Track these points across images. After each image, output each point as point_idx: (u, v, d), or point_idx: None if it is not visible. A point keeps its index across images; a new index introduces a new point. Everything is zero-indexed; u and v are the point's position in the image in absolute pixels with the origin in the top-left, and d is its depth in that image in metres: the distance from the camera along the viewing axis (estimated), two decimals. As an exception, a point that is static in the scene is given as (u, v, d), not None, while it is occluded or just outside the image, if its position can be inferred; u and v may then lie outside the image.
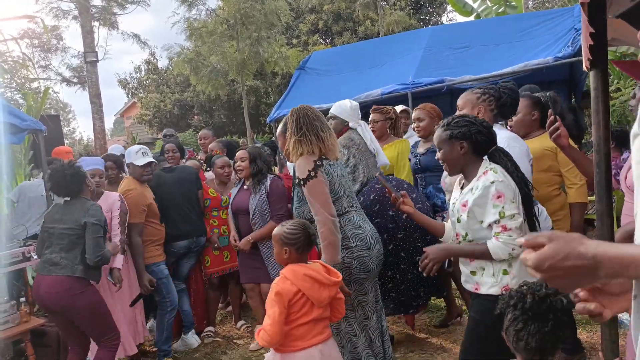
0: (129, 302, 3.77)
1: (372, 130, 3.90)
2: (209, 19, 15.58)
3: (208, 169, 5.01)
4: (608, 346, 1.67)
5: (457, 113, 2.64)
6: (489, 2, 10.93)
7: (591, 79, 1.63)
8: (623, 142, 4.43)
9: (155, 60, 24.33)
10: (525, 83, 4.08)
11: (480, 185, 2.04)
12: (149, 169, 3.91)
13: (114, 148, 6.08)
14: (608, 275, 0.89)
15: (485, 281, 2.11)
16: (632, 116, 4.32)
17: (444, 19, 25.19)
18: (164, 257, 3.96)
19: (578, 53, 5.28)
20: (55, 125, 7.13)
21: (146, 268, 3.82)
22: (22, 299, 3.96)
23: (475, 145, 2.10)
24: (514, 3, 10.76)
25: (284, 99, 7.27)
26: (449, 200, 3.04)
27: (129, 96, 26.31)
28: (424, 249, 2.16)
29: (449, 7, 22.52)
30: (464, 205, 2.10)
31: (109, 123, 39.44)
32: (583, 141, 5.20)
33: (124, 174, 4.52)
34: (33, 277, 3.66)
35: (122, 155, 4.64)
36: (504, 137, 2.45)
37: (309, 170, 2.67)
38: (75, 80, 16.51)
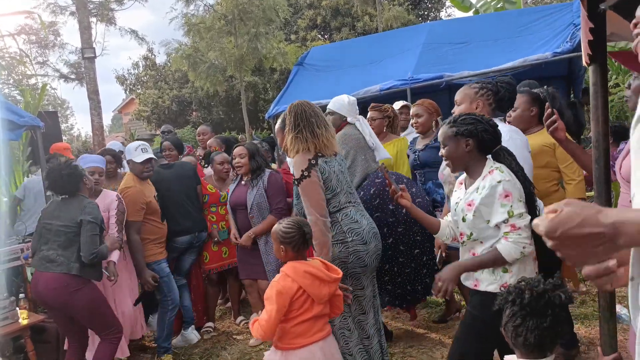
0: (128, 300, 3.75)
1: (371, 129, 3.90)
2: (206, 14, 15.53)
3: (207, 165, 5.00)
4: (607, 341, 1.67)
5: (456, 108, 2.65)
6: (487, -2, 10.89)
7: (590, 74, 1.63)
8: (621, 138, 4.43)
9: (153, 57, 24.25)
10: (524, 78, 4.08)
11: (487, 184, 2.04)
12: (149, 165, 3.87)
13: (112, 144, 6.04)
14: (627, 243, 0.84)
15: (485, 278, 2.11)
16: (630, 112, 4.32)
17: (443, 14, 25.17)
18: (164, 255, 3.92)
19: (577, 48, 5.28)
20: (53, 122, 7.10)
21: (147, 266, 3.81)
22: (22, 295, 3.95)
23: (480, 144, 2.10)
24: (512, -1, 10.73)
25: (282, 95, 7.25)
26: (448, 192, 3.06)
27: (127, 92, 26.23)
28: (435, 276, 2.12)
29: (448, 3, 22.46)
30: (470, 205, 2.10)
31: (107, 119, 39.30)
32: (582, 137, 5.20)
33: (122, 169, 4.52)
34: (32, 274, 3.64)
35: (121, 152, 4.63)
36: (505, 130, 2.45)
37: (302, 170, 2.70)
38: (73, 76, 16.47)
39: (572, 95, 6.56)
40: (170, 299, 3.88)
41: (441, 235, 2.40)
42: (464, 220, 2.14)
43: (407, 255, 3.38)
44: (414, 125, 3.84)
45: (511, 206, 2.00)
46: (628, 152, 2.20)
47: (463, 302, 4.05)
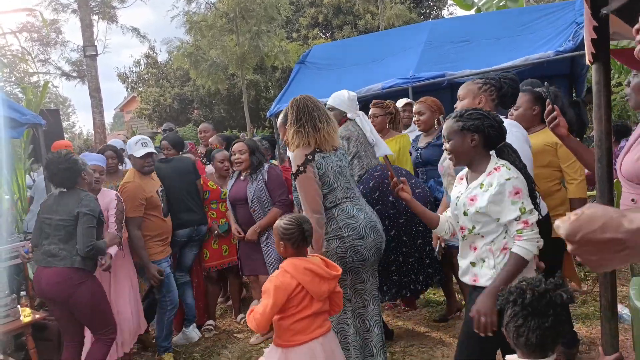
0: (128, 296, 3.74)
1: (372, 125, 3.89)
2: (208, 12, 15.52)
3: (208, 162, 5.00)
4: (608, 340, 1.66)
5: (458, 103, 2.65)
6: (489, -4, 10.87)
7: (593, 73, 1.62)
8: (624, 136, 4.42)
9: (154, 54, 24.29)
10: (526, 77, 4.06)
11: (495, 182, 2.02)
12: (150, 160, 3.84)
13: (114, 142, 6.04)
14: None
15: (484, 273, 2.10)
16: (632, 110, 4.31)
17: (445, 12, 25.13)
18: (165, 254, 3.88)
19: (579, 47, 5.27)
20: (54, 120, 7.12)
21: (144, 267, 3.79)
22: (23, 293, 3.96)
23: (486, 139, 2.09)
24: (515, -4, 10.70)
25: (284, 93, 7.25)
26: (446, 185, 3.06)
27: (129, 90, 26.26)
28: (470, 314, 2.05)
29: (450, 1, 22.45)
30: (472, 200, 2.09)
31: (108, 117, 39.36)
32: (585, 136, 5.19)
33: (123, 166, 4.52)
34: (34, 273, 3.64)
35: (122, 149, 4.63)
36: (505, 124, 2.45)
37: (298, 165, 2.73)
38: (74, 74, 16.48)
39: (574, 94, 6.55)
40: (169, 299, 3.87)
41: (440, 230, 2.39)
42: (465, 214, 2.13)
43: (411, 245, 3.40)
44: (416, 122, 3.83)
45: (522, 203, 2.00)
46: (628, 149, 2.19)
47: (464, 302, 4.05)
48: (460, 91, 2.66)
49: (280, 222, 2.37)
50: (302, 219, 2.40)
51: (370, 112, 4.00)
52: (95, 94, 12.21)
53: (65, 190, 3.22)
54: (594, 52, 1.52)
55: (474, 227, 2.11)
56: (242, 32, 14.64)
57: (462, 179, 2.28)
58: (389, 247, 3.17)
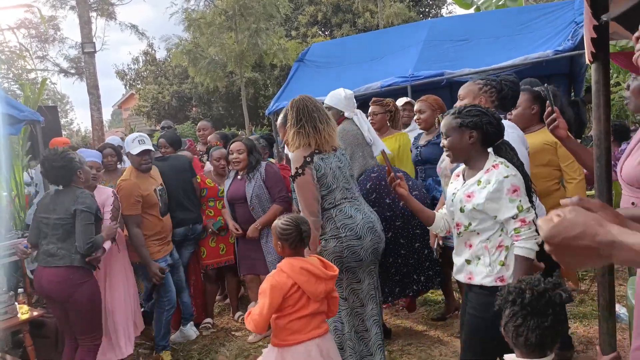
0: (124, 295, 3.72)
1: (372, 123, 3.89)
2: (207, 9, 15.51)
3: (208, 160, 4.99)
4: (606, 340, 1.66)
5: (459, 103, 2.65)
6: (489, -5, 10.86)
7: (592, 72, 1.61)
8: (622, 136, 4.43)
9: (153, 52, 24.23)
10: (525, 76, 4.06)
11: (492, 179, 2.02)
12: (147, 157, 3.80)
13: (111, 139, 6.03)
14: (621, 261, 0.86)
15: (480, 271, 2.10)
16: (629, 109, 4.32)
17: (444, 11, 25.11)
18: (162, 254, 3.85)
19: (578, 46, 5.27)
20: (52, 116, 7.09)
21: (141, 266, 3.78)
22: (20, 290, 3.95)
23: (484, 136, 2.09)
24: (514, -5, 10.70)
25: (282, 91, 7.24)
26: (444, 185, 3.06)
27: (127, 87, 26.20)
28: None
29: (449, 0, 22.42)
30: (469, 196, 2.09)
31: (106, 114, 39.23)
32: (583, 135, 5.20)
33: (121, 165, 4.52)
34: (32, 272, 3.64)
35: (120, 147, 4.62)
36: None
37: (296, 168, 2.75)
38: (72, 71, 16.43)
39: (572, 94, 6.56)
40: (167, 299, 3.85)
41: (435, 227, 2.39)
42: (462, 210, 2.12)
43: (408, 248, 3.39)
44: (417, 121, 3.82)
45: (520, 201, 2.00)
46: (629, 153, 2.19)
47: (462, 301, 4.05)
48: (461, 91, 2.66)
49: (279, 222, 2.38)
50: (300, 219, 2.41)
51: (370, 109, 3.99)
52: (94, 90, 12.18)
53: (61, 188, 3.21)
54: (593, 51, 1.52)
55: (470, 224, 2.11)
56: (241, 30, 14.61)
57: (458, 175, 2.27)
58: (386, 249, 3.16)
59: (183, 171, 4.23)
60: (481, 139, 2.09)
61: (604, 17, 1.36)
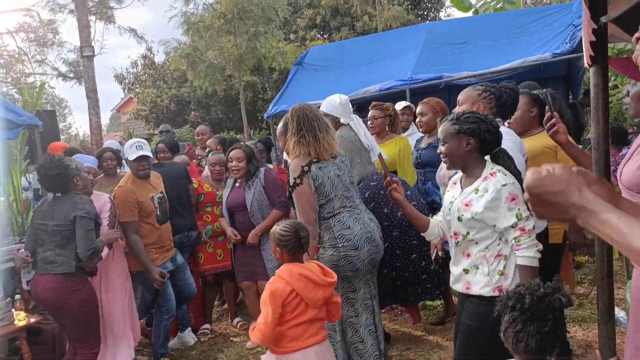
0: (122, 302, 3.69)
1: (372, 127, 3.88)
2: (206, 13, 15.51)
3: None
4: (605, 344, 1.65)
5: (458, 108, 2.64)
6: (487, -2, 10.90)
7: (591, 76, 1.61)
8: (621, 140, 4.42)
9: (152, 55, 24.20)
10: (523, 79, 4.07)
11: (490, 187, 2.00)
12: (144, 163, 3.74)
13: (110, 143, 6.02)
14: (584, 225, 0.92)
15: (478, 280, 2.07)
16: (628, 115, 4.32)
17: (442, 14, 25.18)
18: (160, 261, 3.78)
19: (576, 49, 5.27)
20: (51, 121, 7.09)
21: (141, 275, 3.75)
22: (17, 296, 3.93)
23: (482, 144, 2.07)
24: (512, -1, 10.74)
25: (281, 95, 7.24)
26: (443, 193, 3.04)
27: (126, 91, 26.17)
28: None
29: (447, 3, 22.49)
30: (467, 205, 2.06)
31: (105, 118, 39.25)
32: (582, 138, 5.20)
33: (121, 169, 4.52)
34: (28, 282, 3.62)
35: (118, 151, 4.62)
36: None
37: (294, 178, 2.78)
38: (71, 75, 16.42)
39: (570, 96, 6.56)
40: (166, 308, 3.82)
41: (429, 234, 2.38)
42: (459, 219, 2.10)
43: (405, 259, 3.35)
44: (418, 123, 3.81)
45: (519, 209, 1.98)
46: (629, 158, 2.19)
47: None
48: (460, 96, 2.66)
49: (277, 228, 2.36)
50: (298, 225, 2.39)
51: (370, 113, 3.98)
52: (92, 95, 12.17)
53: (59, 195, 3.19)
54: (592, 54, 1.51)
55: (468, 233, 2.09)
56: (240, 34, 14.62)
57: (455, 183, 2.25)
58: (382, 260, 3.13)
59: (178, 178, 4.20)
60: (479, 146, 2.07)
61: (603, 19, 1.36)
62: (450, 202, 2.18)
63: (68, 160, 3.23)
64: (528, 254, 1.96)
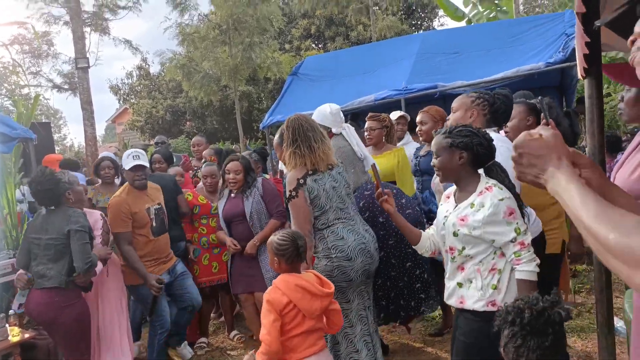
0: (118, 316, 3.66)
1: (369, 138, 3.88)
2: (201, 24, 15.55)
3: None
4: (605, 356, 1.65)
5: (451, 115, 2.65)
6: (480, 7, 11.02)
7: (585, 88, 1.62)
8: (615, 147, 4.45)
9: (147, 66, 24.23)
10: (516, 89, 4.09)
11: (487, 202, 1.99)
12: (141, 173, 3.70)
13: (105, 155, 6.03)
14: (550, 191, 1.00)
15: (472, 295, 2.05)
16: (622, 121, 4.36)
17: (436, 23, 25.36)
18: (155, 274, 3.71)
19: (569, 58, 5.31)
20: (46, 133, 7.09)
21: (134, 289, 3.73)
22: (11, 311, 3.89)
23: (474, 157, 2.06)
24: (505, 8, 10.86)
25: (277, 105, 7.26)
26: (439, 201, 3.04)
27: (121, 102, 26.17)
28: None
29: (441, 12, 22.67)
30: (463, 220, 2.04)
31: (100, 129, 39.28)
32: (577, 146, 5.23)
33: (118, 178, 4.52)
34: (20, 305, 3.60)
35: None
36: (493, 139, 2.43)
37: (290, 190, 2.79)
38: (66, 86, 16.40)
39: (564, 105, 6.60)
40: (159, 323, 3.78)
41: (421, 247, 2.36)
42: (455, 235, 2.07)
43: (399, 268, 3.33)
44: (418, 132, 3.82)
45: (517, 223, 1.97)
46: (622, 164, 2.19)
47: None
48: (454, 104, 2.67)
49: (274, 238, 2.35)
50: (296, 234, 2.38)
51: (367, 124, 3.98)
52: (87, 106, 12.15)
53: (52, 208, 3.17)
54: (586, 67, 1.52)
55: (464, 248, 2.07)
56: (235, 44, 14.66)
57: (448, 197, 2.23)
58: (377, 269, 3.12)
59: (167, 190, 4.16)
60: (471, 160, 2.06)
61: (597, 23, 1.36)
62: (445, 217, 2.16)
63: (60, 174, 3.22)
64: (528, 268, 1.95)
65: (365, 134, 3.91)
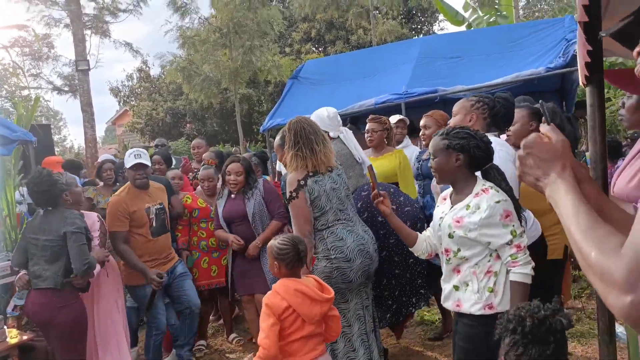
0: (116, 316, 3.65)
1: (370, 140, 3.90)
2: (201, 27, 15.56)
3: None
4: (606, 364, 1.64)
5: (452, 119, 2.65)
6: (480, 12, 11.06)
7: (587, 95, 1.62)
8: (616, 153, 4.45)
9: (147, 69, 24.24)
10: (517, 93, 4.08)
11: (483, 204, 1.98)
12: (142, 172, 3.68)
13: (104, 157, 6.03)
14: (548, 197, 1.02)
15: (468, 298, 2.04)
16: (622, 125, 4.36)
17: (436, 27, 25.39)
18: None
19: (570, 64, 5.33)
20: (45, 135, 7.09)
21: (132, 290, 3.73)
22: (9, 313, 3.88)
23: (471, 160, 2.06)
24: (505, 13, 10.89)
25: (277, 108, 7.27)
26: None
27: (121, 104, 26.17)
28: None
29: (441, 17, 22.71)
30: (458, 222, 2.04)
31: (100, 131, 39.24)
32: (576, 150, 5.23)
33: (116, 185, 4.52)
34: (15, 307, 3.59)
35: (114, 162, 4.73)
36: (493, 142, 2.43)
37: (291, 191, 2.80)
38: (66, 88, 16.40)
39: (564, 109, 6.61)
40: (155, 325, 3.77)
41: (417, 249, 2.36)
42: (450, 236, 2.07)
43: (403, 266, 3.35)
44: (422, 136, 3.82)
45: (513, 226, 1.97)
46: (622, 170, 2.19)
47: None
48: (455, 107, 2.67)
49: (275, 243, 2.34)
50: (296, 239, 2.38)
51: (368, 126, 3.98)
52: (87, 108, 12.15)
53: (50, 209, 3.16)
54: (587, 74, 1.52)
55: (459, 250, 2.07)
56: (235, 47, 14.67)
57: (445, 198, 2.23)
58: (380, 269, 3.13)
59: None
60: (468, 162, 2.06)
61: (601, 34, 1.36)
62: (440, 218, 2.16)
63: (57, 176, 3.21)
64: (524, 271, 1.95)
65: (367, 135, 3.92)
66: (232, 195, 3.94)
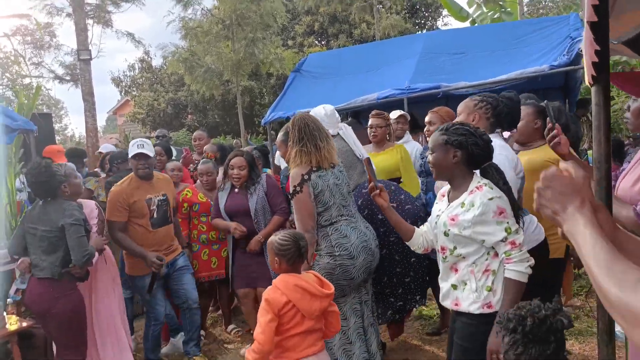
0: (115, 307, 3.66)
1: (373, 135, 3.89)
2: (204, 18, 15.48)
3: None
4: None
5: (457, 119, 2.65)
6: (484, 8, 11.01)
7: (593, 95, 1.61)
8: (618, 153, 4.44)
9: (149, 59, 24.16)
10: (521, 90, 4.08)
11: (477, 202, 1.97)
12: (144, 162, 3.65)
13: (105, 147, 6.03)
14: (566, 232, 1.01)
15: (467, 296, 2.04)
16: (625, 125, 4.36)
17: (439, 23, 25.28)
18: (148, 270, 3.68)
19: (574, 61, 5.31)
20: (46, 124, 7.07)
21: (133, 279, 3.75)
22: (9, 300, 3.89)
23: (469, 157, 2.05)
24: (509, 9, 10.85)
25: (279, 101, 7.25)
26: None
27: (122, 94, 26.11)
28: (488, 347, 1.94)
29: (445, 12, 22.61)
30: (453, 219, 2.04)
31: (101, 120, 39.18)
32: (578, 149, 5.22)
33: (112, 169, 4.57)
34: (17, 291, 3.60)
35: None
36: (494, 145, 2.43)
37: (294, 186, 2.81)
38: (68, 77, 16.35)
39: (567, 107, 6.60)
40: (153, 315, 3.79)
41: (413, 244, 2.36)
42: (446, 234, 2.07)
43: (404, 264, 3.34)
44: (426, 132, 3.82)
45: (507, 222, 1.96)
46: (626, 173, 2.19)
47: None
48: (459, 107, 2.67)
49: (276, 238, 2.34)
50: (297, 235, 2.39)
51: (372, 121, 3.98)
52: (89, 97, 12.12)
53: (49, 199, 3.17)
54: (594, 74, 1.51)
55: (455, 248, 2.06)
56: (238, 39, 14.60)
57: (443, 195, 2.22)
58: (382, 267, 3.13)
59: None
60: (466, 159, 2.05)
61: (614, 41, 1.35)
62: (437, 216, 2.16)
63: (56, 167, 3.20)
64: (518, 268, 1.93)
65: (371, 131, 3.92)
66: (236, 190, 3.92)
